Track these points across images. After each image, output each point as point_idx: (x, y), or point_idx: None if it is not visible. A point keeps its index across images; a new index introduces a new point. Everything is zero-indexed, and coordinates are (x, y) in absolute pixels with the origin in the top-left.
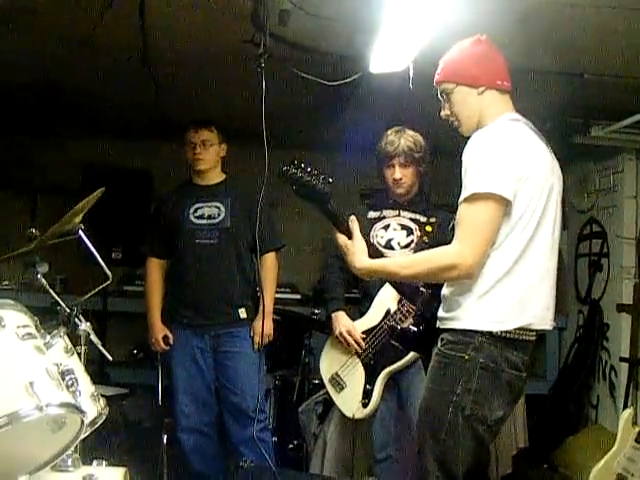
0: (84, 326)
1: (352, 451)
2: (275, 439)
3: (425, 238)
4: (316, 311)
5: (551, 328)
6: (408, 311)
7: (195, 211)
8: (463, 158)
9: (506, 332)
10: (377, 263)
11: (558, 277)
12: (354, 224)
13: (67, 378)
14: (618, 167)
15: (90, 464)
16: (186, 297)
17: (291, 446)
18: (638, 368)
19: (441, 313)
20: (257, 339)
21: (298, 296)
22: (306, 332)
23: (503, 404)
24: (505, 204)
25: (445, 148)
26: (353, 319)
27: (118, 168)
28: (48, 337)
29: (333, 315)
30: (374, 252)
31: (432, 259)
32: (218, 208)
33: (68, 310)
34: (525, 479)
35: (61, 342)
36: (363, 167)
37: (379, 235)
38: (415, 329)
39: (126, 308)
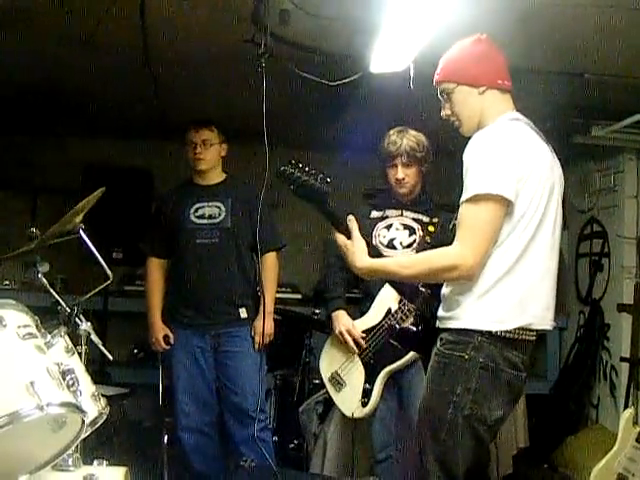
0: (85, 326)
1: (352, 451)
2: (275, 439)
3: (427, 238)
4: (317, 311)
5: (551, 328)
6: (409, 310)
7: (196, 211)
8: (464, 158)
9: (506, 332)
10: (378, 263)
11: (558, 277)
12: (353, 224)
13: (68, 378)
14: (619, 167)
15: (91, 464)
16: (187, 297)
17: (292, 446)
18: (639, 368)
19: (441, 312)
20: (258, 339)
21: (299, 296)
22: (307, 332)
23: (503, 404)
24: (506, 204)
25: (445, 148)
26: (354, 319)
27: (118, 168)
28: (49, 337)
29: (333, 314)
30: (374, 252)
31: (433, 259)
32: (219, 208)
33: (69, 310)
34: (525, 479)
35: (62, 342)
36: (364, 167)
37: (381, 235)
38: (414, 329)
39: (127, 308)
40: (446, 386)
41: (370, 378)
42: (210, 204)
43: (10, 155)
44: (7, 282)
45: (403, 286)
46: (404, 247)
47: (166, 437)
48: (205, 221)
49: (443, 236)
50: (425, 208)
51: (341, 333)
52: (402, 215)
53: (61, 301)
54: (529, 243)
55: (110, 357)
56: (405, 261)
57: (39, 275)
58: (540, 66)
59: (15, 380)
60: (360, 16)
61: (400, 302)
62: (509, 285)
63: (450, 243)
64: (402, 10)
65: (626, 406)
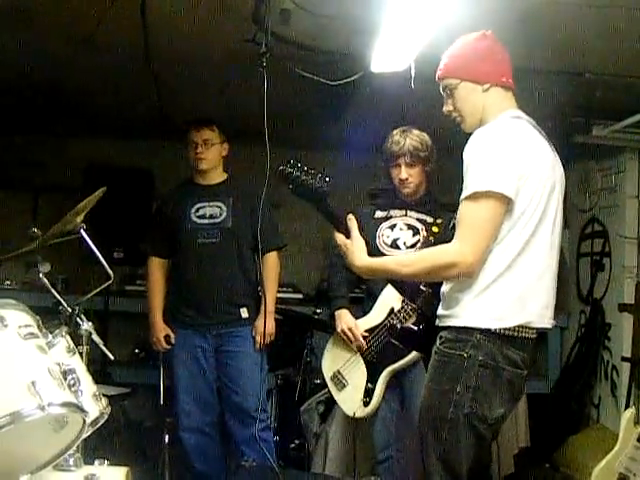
0: (86, 326)
1: (354, 451)
2: (277, 438)
3: (431, 238)
4: (318, 310)
5: (551, 327)
6: (412, 310)
7: (197, 211)
8: (464, 156)
9: (505, 329)
10: (377, 261)
11: (559, 276)
12: (352, 223)
13: (69, 377)
14: (620, 166)
15: (92, 464)
16: (188, 297)
17: (293, 446)
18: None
19: (440, 311)
20: (259, 338)
21: (300, 295)
22: (307, 332)
23: (503, 402)
24: (506, 202)
25: (449, 147)
26: (357, 318)
27: (119, 167)
28: (50, 337)
29: (336, 313)
30: (374, 251)
31: (432, 257)
32: (220, 208)
33: (70, 310)
34: (527, 479)
35: (63, 342)
36: (365, 166)
37: (385, 234)
38: (415, 328)
39: (128, 308)
40: (446, 385)
41: (372, 377)
42: (211, 204)
43: (11, 155)
44: (8, 282)
45: (404, 285)
46: (408, 247)
47: (167, 437)
48: (206, 221)
49: (447, 236)
50: (429, 208)
51: (344, 332)
52: (406, 215)
53: (62, 301)
54: (528, 241)
55: (111, 357)
56: (404, 259)
57: (40, 275)
58: (540, 66)
59: (16, 380)
60: (361, 15)
61: (403, 301)
62: (508, 282)
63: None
64: (403, 9)
65: (627, 406)
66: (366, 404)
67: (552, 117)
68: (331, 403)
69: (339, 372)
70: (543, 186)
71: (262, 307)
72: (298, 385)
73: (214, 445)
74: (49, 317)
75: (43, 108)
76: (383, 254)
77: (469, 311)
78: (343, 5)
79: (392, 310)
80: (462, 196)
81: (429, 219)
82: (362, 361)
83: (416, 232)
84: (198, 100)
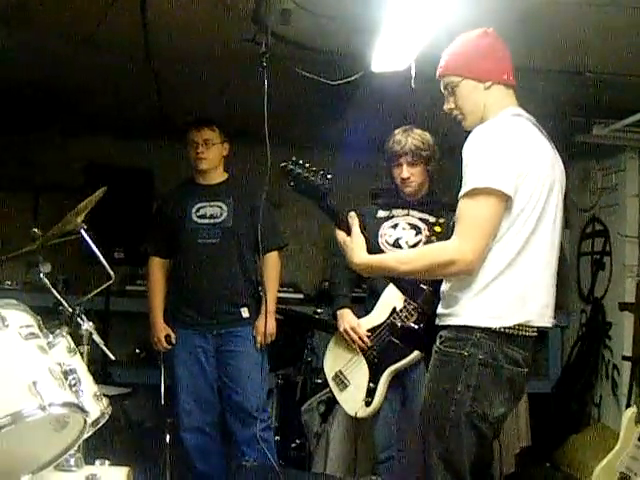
0: (86, 326)
1: (354, 451)
2: (277, 438)
3: (433, 238)
4: (318, 310)
5: (551, 326)
6: (414, 309)
7: (197, 210)
8: (463, 153)
9: (505, 328)
10: (375, 258)
11: (559, 274)
12: (354, 220)
13: (70, 378)
14: (620, 166)
15: (93, 464)
16: (188, 296)
17: (294, 445)
18: None
19: (440, 310)
20: (259, 338)
21: (300, 295)
22: (308, 331)
23: (504, 400)
24: (505, 200)
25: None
26: (359, 317)
27: (119, 167)
28: (51, 337)
29: (338, 312)
30: (376, 251)
31: (431, 254)
32: (220, 207)
33: (71, 310)
34: (528, 478)
35: (64, 342)
36: (366, 166)
37: (387, 234)
38: (416, 327)
39: (128, 308)
40: (447, 384)
41: (374, 377)
42: (212, 204)
43: (11, 154)
44: (9, 282)
45: (405, 284)
46: (410, 247)
47: (168, 437)
48: (206, 221)
49: (449, 236)
50: (432, 208)
51: (346, 331)
52: (408, 215)
53: (63, 301)
54: (528, 239)
55: (112, 357)
56: (403, 256)
57: (41, 275)
58: (541, 65)
59: (17, 380)
60: (361, 15)
61: (405, 301)
62: (508, 281)
63: None
64: (403, 8)
65: (628, 405)
66: (368, 404)
67: (552, 116)
68: (332, 403)
69: (341, 372)
70: (542, 184)
71: (263, 307)
72: (299, 385)
73: (215, 445)
74: (50, 317)
75: (43, 107)
76: (382, 252)
77: (469, 310)
78: (343, 5)
79: (394, 309)
80: (461, 193)
81: (431, 219)
82: (364, 361)
83: (418, 232)
84: (198, 100)
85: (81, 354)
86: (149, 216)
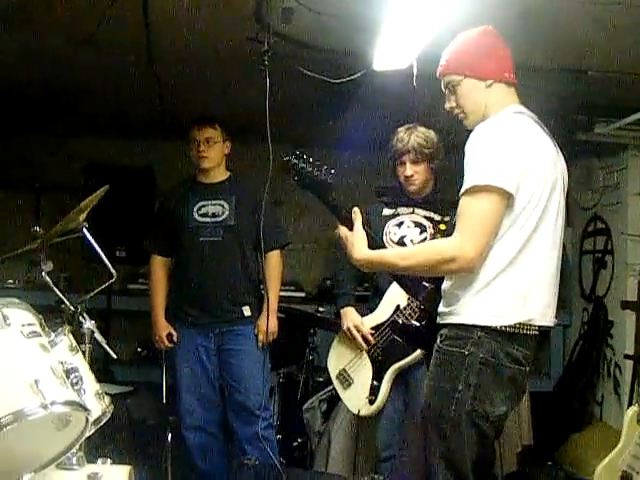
0: (88, 324)
1: (356, 449)
2: (279, 437)
3: (438, 236)
4: (320, 309)
5: (553, 325)
6: (417, 307)
7: (199, 209)
8: (465, 150)
9: (506, 326)
10: (375, 254)
11: (560, 273)
12: (356, 215)
13: (72, 376)
14: (622, 164)
15: (95, 462)
16: (190, 295)
17: (295, 444)
18: None
19: (441, 308)
20: (261, 337)
21: (302, 294)
22: (310, 330)
23: (505, 399)
24: (507, 197)
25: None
26: (363, 315)
27: (121, 166)
28: (53, 335)
29: (342, 310)
30: (379, 247)
31: (432, 251)
32: (222, 206)
33: (72, 308)
34: (529, 477)
35: (66, 340)
36: (368, 164)
37: (392, 232)
38: (417, 324)
39: (130, 306)
40: (447, 383)
41: (378, 375)
42: (214, 202)
43: (12, 154)
44: (11, 281)
45: (406, 281)
46: (414, 245)
47: (170, 435)
48: (208, 219)
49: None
50: (437, 206)
51: (349, 329)
52: (413, 213)
53: (65, 300)
54: (529, 237)
55: (114, 355)
56: (403, 252)
57: (43, 274)
58: (542, 63)
59: (19, 378)
60: (363, 13)
61: (409, 298)
62: (509, 279)
63: None
64: (405, 7)
65: (630, 403)
66: (372, 402)
67: (554, 114)
68: (333, 401)
69: (345, 370)
70: (544, 182)
71: (265, 305)
72: (300, 383)
73: (217, 443)
74: (52, 316)
75: (44, 107)
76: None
77: (470, 308)
78: (345, 3)
79: (398, 307)
80: (462, 190)
81: (436, 217)
82: (368, 359)
83: (423, 230)
84: (200, 98)
85: (83, 353)
86: (151, 215)
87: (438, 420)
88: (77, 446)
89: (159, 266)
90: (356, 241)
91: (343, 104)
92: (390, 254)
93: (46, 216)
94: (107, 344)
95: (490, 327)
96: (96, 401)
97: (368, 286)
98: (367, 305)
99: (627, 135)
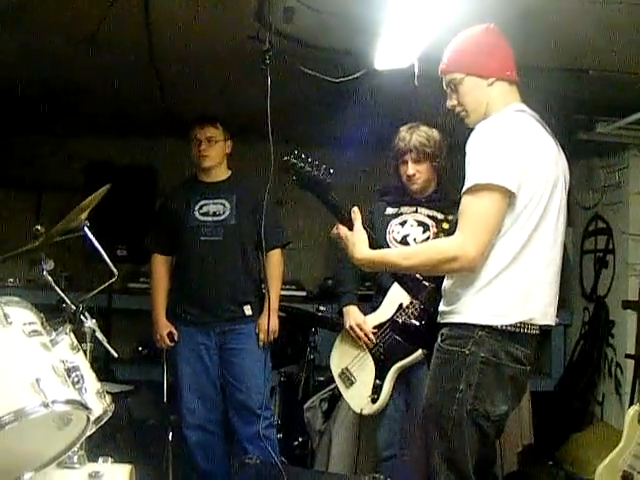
0: (89, 323)
1: (357, 449)
2: (280, 436)
3: (441, 235)
4: (321, 308)
5: (554, 324)
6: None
7: (200, 208)
8: (467, 148)
9: (507, 326)
10: (377, 254)
11: (561, 272)
12: (356, 215)
13: (73, 375)
14: (623, 163)
15: (96, 461)
16: (191, 294)
17: (296, 443)
18: None
19: (441, 307)
20: (262, 336)
21: (303, 293)
22: (311, 329)
23: (507, 399)
24: (509, 196)
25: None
26: (365, 314)
27: (122, 165)
28: (54, 334)
29: (345, 309)
30: (382, 246)
31: (434, 250)
32: (223, 205)
33: (74, 307)
34: (530, 476)
35: (67, 339)
36: (369, 164)
37: (395, 231)
38: (417, 324)
39: (131, 305)
40: (448, 382)
41: (380, 374)
42: (215, 201)
43: (14, 153)
44: (12, 280)
45: (407, 280)
46: (417, 244)
47: (171, 434)
48: (209, 218)
49: None
50: (440, 205)
51: (352, 328)
52: (417, 212)
53: (66, 298)
54: (531, 236)
55: (115, 354)
56: (405, 252)
57: (44, 273)
58: (543, 63)
59: (20, 377)
60: (364, 12)
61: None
62: (510, 278)
63: None
64: (406, 6)
65: (631, 403)
66: (374, 401)
67: (555, 114)
68: (334, 401)
69: (347, 369)
70: (546, 180)
71: (266, 304)
72: (301, 383)
73: (218, 442)
74: (53, 314)
75: (45, 107)
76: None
77: (470, 307)
78: (346, 2)
79: (401, 306)
80: (463, 189)
81: (440, 216)
82: (370, 358)
83: (426, 229)
84: (201, 97)
85: (84, 351)
86: (152, 214)
87: (439, 419)
88: (78, 445)
89: (160, 265)
90: (357, 241)
91: (344, 103)
92: (392, 254)
93: (47, 215)
94: (108, 343)
95: (491, 326)
96: (97, 400)
97: (370, 285)
98: (370, 304)
99: (628, 134)
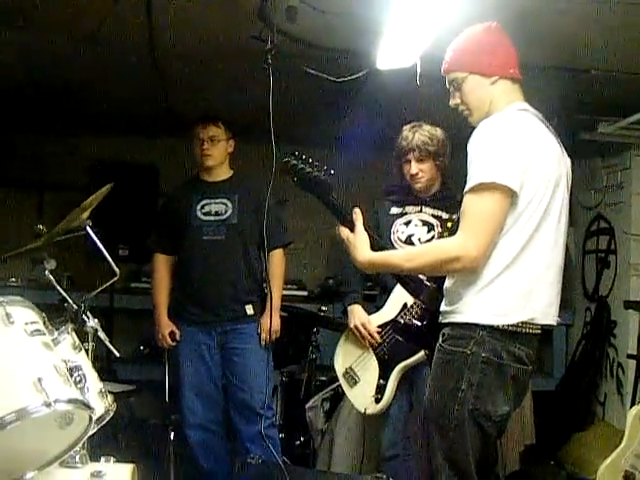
0: (92, 323)
1: (360, 448)
2: (282, 436)
3: (446, 234)
4: (323, 308)
5: (555, 324)
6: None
7: (202, 207)
8: (469, 147)
9: (509, 325)
10: (379, 256)
11: (563, 273)
12: (357, 216)
13: (75, 374)
14: (625, 163)
15: (98, 460)
16: (193, 293)
17: (298, 443)
18: None
19: (443, 307)
20: (264, 335)
21: (305, 293)
22: (313, 329)
23: (508, 399)
24: (511, 195)
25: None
26: (369, 314)
27: (124, 164)
28: (56, 333)
29: (349, 308)
30: (389, 247)
31: (435, 251)
32: (225, 204)
33: (75, 307)
34: (532, 476)
35: (69, 338)
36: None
37: (400, 230)
38: (418, 324)
39: (133, 305)
40: (450, 382)
41: (384, 374)
42: (217, 200)
43: (16, 152)
44: (14, 279)
45: (408, 280)
46: (422, 243)
47: (172, 434)
48: (212, 217)
49: None
50: (445, 204)
51: (356, 327)
52: (421, 211)
53: (68, 298)
54: (532, 236)
55: (116, 354)
56: (407, 253)
57: (46, 272)
58: (545, 63)
59: (23, 377)
60: (367, 12)
61: None
62: (512, 278)
63: None
64: (408, 6)
65: (633, 403)
66: (378, 400)
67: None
68: (336, 400)
69: (351, 368)
70: (548, 180)
71: (267, 304)
72: (303, 382)
73: (219, 442)
74: (55, 314)
75: (48, 105)
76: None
77: (472, 307)
78: (348, 2)
79: (405, 305)
80: (465, 188)
81: (444, 215)
82: (374, 357)
83: (431, 228)
84: (203, 96)
85: (86, 351)
86: (154, 213)
87: (440, 419)
88: (80, 444)
89: (162, 264)
90: (358, 243)
91: (346, 103)
92: (394, 256)
93: (48, 215)
94: (110, 342)
95: (492, 326)
96: (99, 399)
97: (372, 284)
98: (375, 303)
99: (631, 135)
